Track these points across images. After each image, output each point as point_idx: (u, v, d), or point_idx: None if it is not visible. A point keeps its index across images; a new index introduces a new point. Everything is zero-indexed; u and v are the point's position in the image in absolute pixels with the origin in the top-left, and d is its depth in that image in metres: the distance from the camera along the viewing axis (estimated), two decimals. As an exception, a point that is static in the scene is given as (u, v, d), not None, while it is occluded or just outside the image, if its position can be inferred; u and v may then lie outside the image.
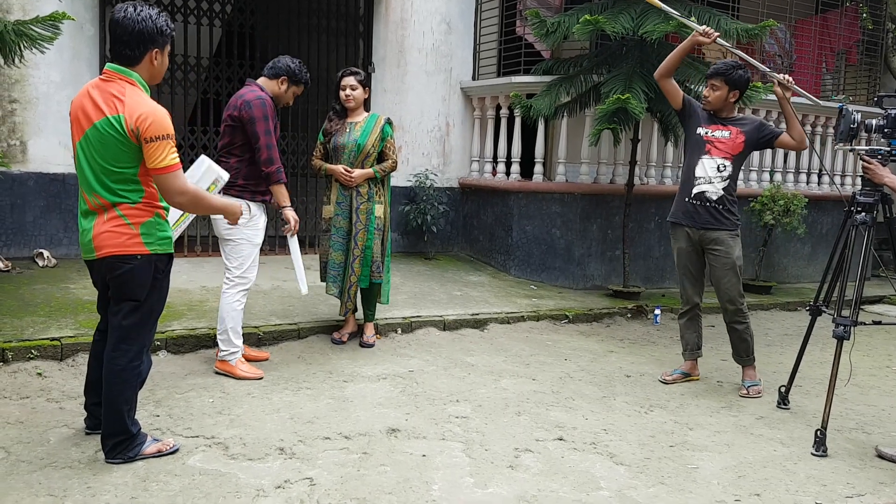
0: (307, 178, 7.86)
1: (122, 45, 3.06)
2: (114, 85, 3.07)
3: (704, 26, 4.66)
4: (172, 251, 3.29)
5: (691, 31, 5.48)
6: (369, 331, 5.31)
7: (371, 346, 5.22)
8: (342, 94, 5.11)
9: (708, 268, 4.84)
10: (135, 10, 3.05)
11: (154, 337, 3.53)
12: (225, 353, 4.46)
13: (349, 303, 5.17)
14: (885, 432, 4.21)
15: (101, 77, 3.14)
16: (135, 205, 3.11)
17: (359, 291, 5.23)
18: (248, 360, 4.64)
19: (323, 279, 5.27)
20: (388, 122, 5.22)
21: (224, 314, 4.45)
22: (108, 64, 3.16)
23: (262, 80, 4.60)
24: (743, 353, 4.85)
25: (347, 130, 5.12)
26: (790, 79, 4.51)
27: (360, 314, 5.42)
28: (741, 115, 4.95)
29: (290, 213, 4.56)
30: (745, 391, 4.74)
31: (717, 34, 4.59)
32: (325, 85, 7.82)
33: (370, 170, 5.07)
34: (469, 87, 8.37)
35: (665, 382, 4.87)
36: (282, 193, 4.54)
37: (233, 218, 3.53)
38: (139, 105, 3.03)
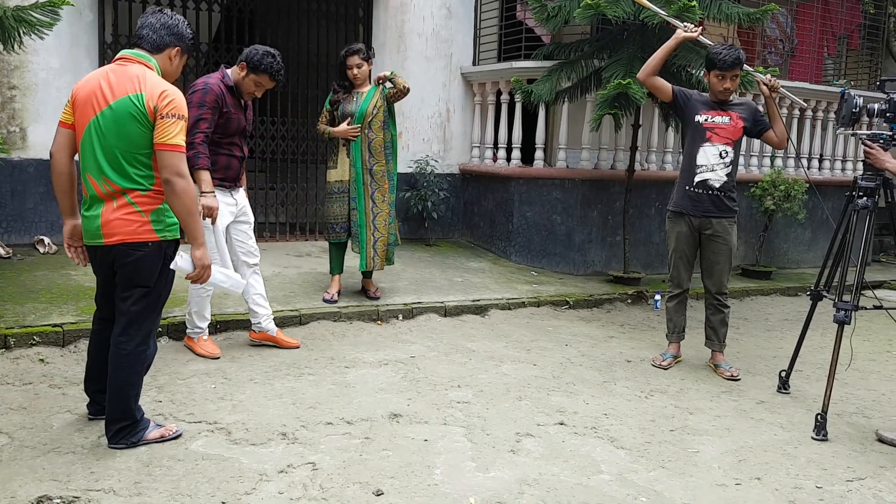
0: (307, 165, 7.84)
1: (150, 30, 3.19)
2: (133, 68, 3.12)
3: (687, 23, 4.77)
4: (179, 237, 3.29)
5: (694, 16, 5.45)
6: (372, 286, 5.76)
7: (378, 298, 5.67)
8: (349, 73, 5.35)
9: (702, 252, 4.87)
10: (170, 12, 3.29)
11: (159, 322, 3.54)
12: (189, 330, 4.69)
13: (377, 258, 5.54)
14: (885, 416, 4.23)
15: (118, 62, 3.17)
16: (146, 193, 3.12)
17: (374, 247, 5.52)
18: (280, 345, 4.80)
19: (328, 238, 5.64)
20: (393, 72, 5.51)
21: (190, 297, 4.61)
22: (124, 50, 3.21)
23: (233, 67, 4.55)
24: (722, 337, 4.93)
25: (355, 99, 5.40)
26: (777, 81, 4.55)
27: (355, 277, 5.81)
28: (737, 98, 4.90)
29: (205, 201, 4.21)
30: (729, 373, 4.77)
31: (699, 31, 4.64)
32: (325, 70, 7.79)
33: (384, 87, 5.43)
34: (469, 72, 8.33)
35: (664, 368, 4.88)
36: (201, 179, 4.21)
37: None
38: (161, 84, 3.09)
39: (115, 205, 3.10)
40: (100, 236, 3.13)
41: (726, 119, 4.68)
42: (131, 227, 3.10)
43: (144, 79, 3.07)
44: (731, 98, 4.77)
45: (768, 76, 4.57)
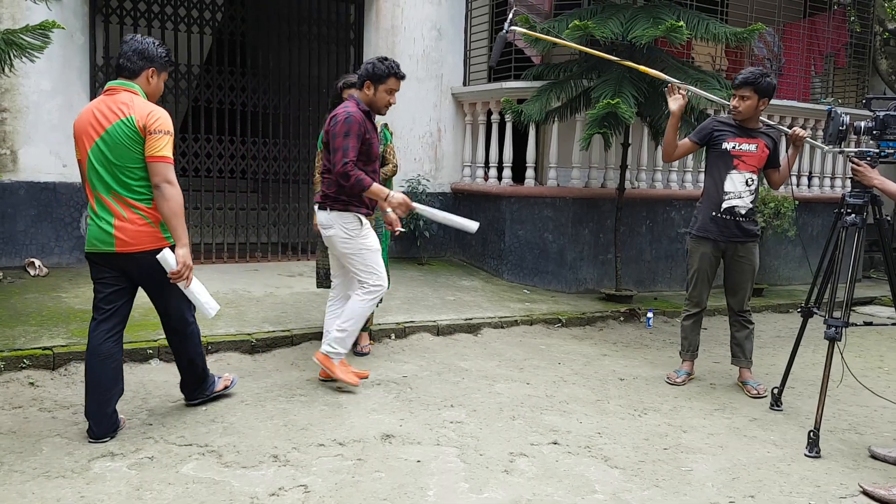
0: (299, 185, 7.85)
1: (125, 59, 3.56)
2: (120, 96, 3.50)
3: (681, 85, 4.77)
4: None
5: (682, 36, 5.52)
6: (364, 339, 5.26)
7: (366, 354, 5.19)
8: None
9: (727, 273, 4.92)
10: (140, 38, 3.62)
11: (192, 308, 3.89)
12: (334, 351, 4.43)
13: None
14: (877, 432, 4.23)
15: (105, 93, 3.53)
16: (151, 205, 3.51)
17: None
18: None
19: (321, 286, 5.21)
20: (386, 127, 5.18)
21: (353, 315, 4.40)
22: (109, 82, 3.59)
23: (357, 92, 4.44)
24: (749, 353, 4.95)
25: None
26: (802, 132, 4.58)
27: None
28: (763, 124, 4.81)
29: (396, 196, 4.25)
30: (756, 391, 4.77)
31: (686, 90, 4.72)
32: (316, 92, 7.84)
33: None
34: (460, 92, 8.39)
35: (676, 384, 4.92)
36: (374, 192, 4.25)
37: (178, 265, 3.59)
38: (147, 105, 3.50)
39: (126, 215, 3.48)
40: (112, 244, 3.49)
41: (753, 147, 4.70)
42: (146, 237, 3.52)
43: (132, 103, 3.46)
44: (759, 124, 4.75)
45: (803, 130, 4.59)
